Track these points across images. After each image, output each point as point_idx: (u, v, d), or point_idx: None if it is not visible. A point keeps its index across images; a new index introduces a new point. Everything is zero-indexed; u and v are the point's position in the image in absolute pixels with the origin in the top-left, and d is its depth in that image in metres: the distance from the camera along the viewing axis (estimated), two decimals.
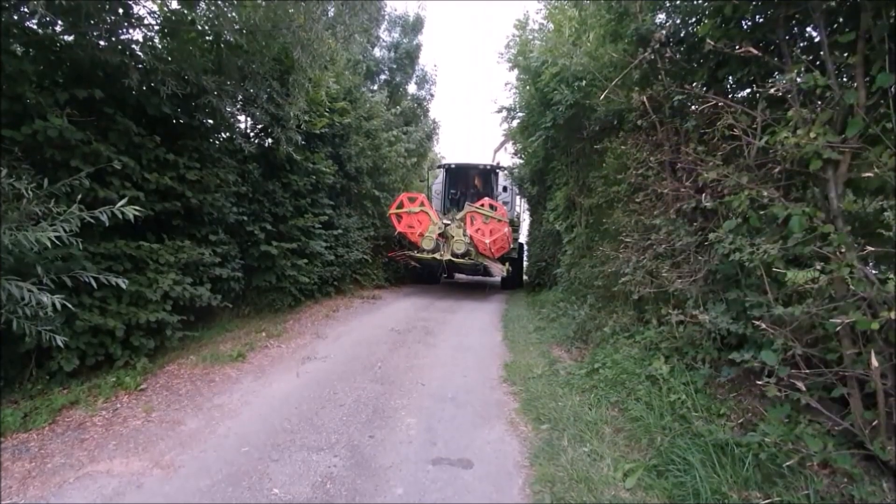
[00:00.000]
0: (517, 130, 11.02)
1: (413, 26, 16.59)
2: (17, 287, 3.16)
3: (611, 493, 2.79)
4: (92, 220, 3.37)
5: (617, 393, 3.94)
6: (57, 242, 3.29)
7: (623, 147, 4.99)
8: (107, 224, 3.44)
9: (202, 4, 5.54)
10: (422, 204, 10.80)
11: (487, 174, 15.06)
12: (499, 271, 11.55)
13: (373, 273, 12.06)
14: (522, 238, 16.29)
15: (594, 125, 6.46)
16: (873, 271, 2.27)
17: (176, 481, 2.94)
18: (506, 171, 14.97)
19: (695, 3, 3.76)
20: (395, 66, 16.28)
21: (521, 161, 13.70)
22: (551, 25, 8.32)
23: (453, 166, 15.20)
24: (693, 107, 3.88)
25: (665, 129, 4.16)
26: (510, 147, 14.24)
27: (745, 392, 3.13)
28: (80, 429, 3.60)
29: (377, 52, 16.08)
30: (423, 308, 9.78)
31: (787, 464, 2.29)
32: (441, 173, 15.30)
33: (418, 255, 10.97)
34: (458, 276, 16.83)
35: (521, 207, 16.38)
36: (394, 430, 3.80)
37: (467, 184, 15.43)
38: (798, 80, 2.47)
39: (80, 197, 3.55)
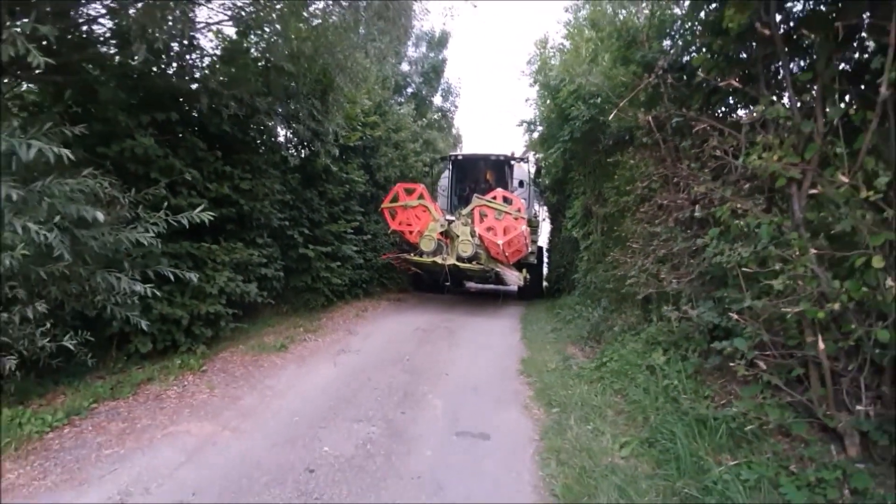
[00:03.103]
0: (538, 142, 11.48)
1: (439, 42, 17.35)
2: (116, 278, 3.84)
3: (608, 460, 3.27)
4: (175, 224, 4.03)
5: (620, 382, 4.41)
6: (143, 242, 3.96)
7: (632, 161, 5.47)
8: (187, 227, 4.10)
9: (253, 35, 6.27)
10: (421, 196, 9.04)
11: (501, 166, 12.72)
12: (515, 279, 9.89)
13: (398, 277, 12.60)
14: (542, 241, 14.44)
15: (608, 139, 6.91)
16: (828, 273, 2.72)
17: (243, 441, 3.55)
18: (523, 163, 12.89)
19: (688, 38, 4.25)
20: (421, 80, 17.02)
21: (543, 170, 13.92)
22: (568, 44, 8.84)
23: (461, 158, 13.16)
24: (696, 128, 4.34)
25: (667, 147, 4.63)
26: (532, 158, 14.07)
27: (730, 378, 3.57)
28: (157, 399, 4.26)
29: (404, 67, 16.84)
30: (446, 310, 10.27)
31: (748, 427, 2.75)
32: (447, 166, 13.11)
33: (416, 258, 9.21)
34: (469, 284, 14.64)
35: (540, 206, 14.75)
36: (423, 409, 4.35)
37: (477, 178, 13.33)
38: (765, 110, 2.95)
39: (162, 205, 4.23)
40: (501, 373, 5.67)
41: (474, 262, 8.93)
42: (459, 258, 8.87)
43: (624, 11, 6.69)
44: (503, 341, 7.54)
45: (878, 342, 2.37)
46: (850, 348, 2.65)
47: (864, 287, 2.35)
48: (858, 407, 2.49)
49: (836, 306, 2.50)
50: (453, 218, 9.36)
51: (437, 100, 18.53)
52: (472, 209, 8.78)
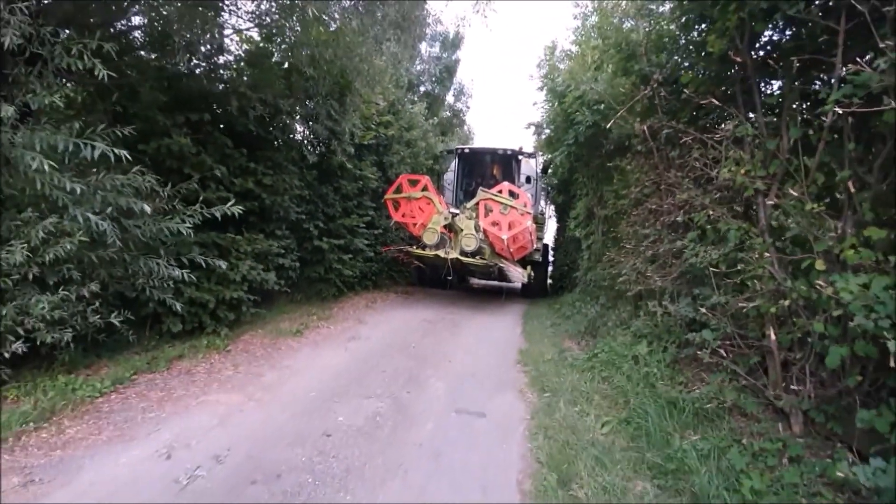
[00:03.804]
0: (545, 143, 11.78)
1: (452, 43, 17.70)
2: (156, 264, 4.30)
3: (590, 436, 3.68)
4: (209, 216, 4.49)
5: (608, 370, 4.81)
6: (182, 232, 4.42)
7: (629, 167, 5.84)
8: (219, 219, 4.55)
9: (277, 40, 6.70)
10: (425, 188, 8.86)
11: (508, 161, 12.60)
12: (518, 276, 9.76)
13: (407, 271, 12.97)
14: (548, 240, 14.64)
15: (609, 145, 7.27)
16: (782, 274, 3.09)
17: (267, 410, 4.00)
18: (531, 158, 12.74)
19: (681, 55, 4.62)
20: (434, 80, 17.38)
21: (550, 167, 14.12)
22: (576, 49, 9.18)
23: (467, 151, 12.92)
24: (683, 139, 4.69)
25: (659, 155, 4.99)
26: (539, 155, 14.20)
27: (703, 366, 3.95)
28: (188, 374, 4.73)
29: (417, 66, 17.22)
30: (451, 305, 10.64)
31: (707, 406, 3.14)
32: (453, 160, 12.95)
33: (417, 251, 8.97)
34: (473, 280, 14.45)
35: (547, 204, 14.72)
36: (426, 390, 4.78)
37: (484, 172, 13.23)
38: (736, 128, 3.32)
39: (193, 198, 4.68)
40: (500, 362, 6.08)
41: (478, 257, 8.75)
42: (463, 252, 8.66)
43: (631, 21, 7.04)
44: (504, 335, 7.94)
45: (819, 334, 2.74)
46: (800, 339, 3.03)
47: (806, 287, 2.73)
48: (799, 388, 2.87)
49: (787, 303, 2.88)
50: (458, 211, 9.23)
51: (450, 99, 18.96)
52: (477, 203, 8.64)
